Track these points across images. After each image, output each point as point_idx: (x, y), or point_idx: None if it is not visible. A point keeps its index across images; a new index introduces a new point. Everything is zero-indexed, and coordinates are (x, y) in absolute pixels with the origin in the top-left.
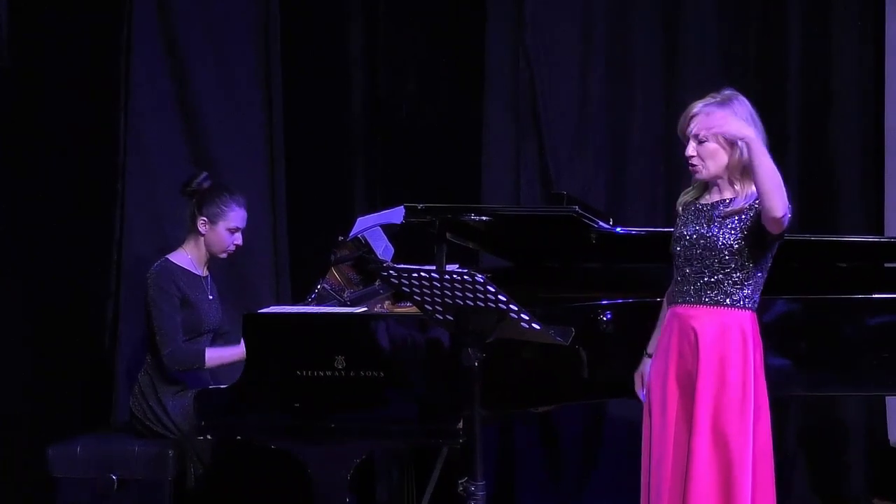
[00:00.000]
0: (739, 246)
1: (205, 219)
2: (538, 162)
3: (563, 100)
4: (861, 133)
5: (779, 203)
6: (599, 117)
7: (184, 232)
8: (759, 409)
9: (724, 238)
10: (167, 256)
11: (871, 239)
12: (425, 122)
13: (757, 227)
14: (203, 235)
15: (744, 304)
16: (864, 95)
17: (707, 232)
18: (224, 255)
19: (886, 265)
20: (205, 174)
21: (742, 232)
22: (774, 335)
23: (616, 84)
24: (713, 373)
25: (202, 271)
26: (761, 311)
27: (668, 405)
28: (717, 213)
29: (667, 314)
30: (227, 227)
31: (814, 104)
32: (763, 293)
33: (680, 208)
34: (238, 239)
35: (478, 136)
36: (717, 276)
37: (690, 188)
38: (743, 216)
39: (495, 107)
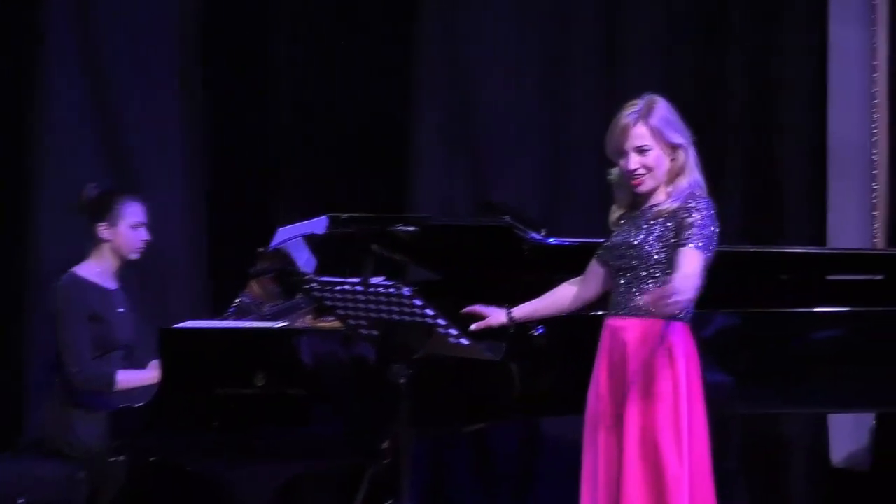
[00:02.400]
0: (666, 255)
1: (104, 224)
2: (470, 170)
3: (496, 107)
4: (805, 142)
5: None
6: (535, 124)
7: (90, 245)
8: (695, 425)
9: (650, 246)
10: (73, 270)
11: (813, 250)
12: (352, 129)
13: (678, 230)
14: (108, 242)
15: (677, 315)
16: (808, 104)
17: (633, 240)
18: (137, 255)
19: (829, 278)
20: (90, 184)
21: (667, 240)
22: (714, 351)
23: (553, 90)
24: (641, 387)
25: (111, 284)
26: (700, 325)
27: (599, 421)
28: (645, 218)
29: (605, 324)
30: (129, 225)
31: (756, 113)
32: (701, 307)
33: (613, 228)
34: (144, 234)
35: (407, 144)
36: (646, 285)
37: (614, 205)
38: (668, 223)
39: (425, 114)
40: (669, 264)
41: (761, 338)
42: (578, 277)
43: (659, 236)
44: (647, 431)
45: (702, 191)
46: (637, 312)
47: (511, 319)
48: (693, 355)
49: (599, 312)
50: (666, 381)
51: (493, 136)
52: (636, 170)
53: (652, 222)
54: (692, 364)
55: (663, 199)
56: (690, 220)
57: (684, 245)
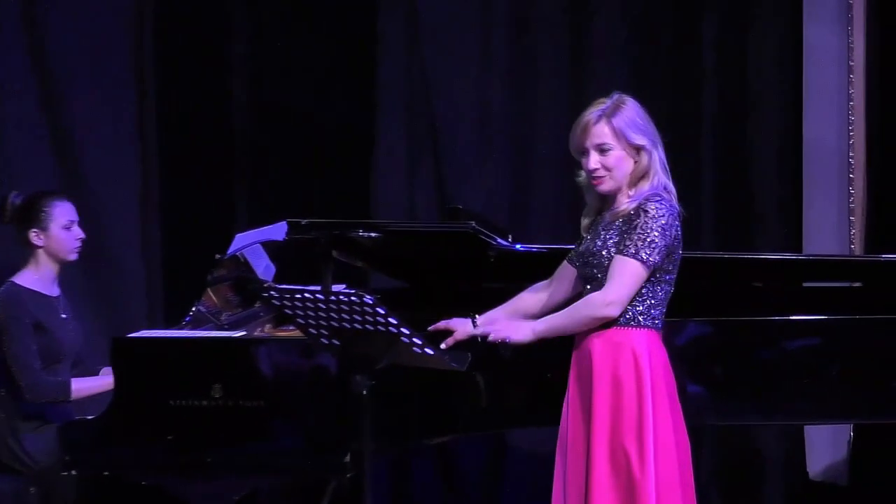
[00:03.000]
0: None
1: (35, 230)
2: (434, 175)
3: (461, 111)
4: (779, 145)
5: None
6: (500, 129)
7: (26, 255)
8: (665, 434)
9: (608, 251)
10: (12, 279)
11: (789, 257)
12: (312, 133)
13: (625, 230)
14: (42, 247)
15: (639, 321)
16: (783, 108)
17: (593, 246)
18: (74, 256)
19: (806, 285)
20: (12, 193)
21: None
22: (686, 360)
23: (518, 95)
24: (607, 396)
25: (53, 290)
26: (672, 333)
27: (568, 432)
28: (604, 224)
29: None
30: (61, 226)
31: (729, 115)
32: (674, 314)
33: (584, 230)
34: (79, 232)
35: (369, 149)
36: None
37: (585, 210)
38: (624, 227)
39: (388, 117)
40: None
41: (735, 347)
42: (546, 280)
43: (616, 242)
44: (614, 444)
45: (667, 194)
46: (605, 325)
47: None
48: (662, 364)
49: None
50: (631, 391)
51: (458, 141)
52: (596, 169)
53: (610, 228)
54: (659, 373)
55: (624, 203)
56: (634, 223)
57: (620, 252)
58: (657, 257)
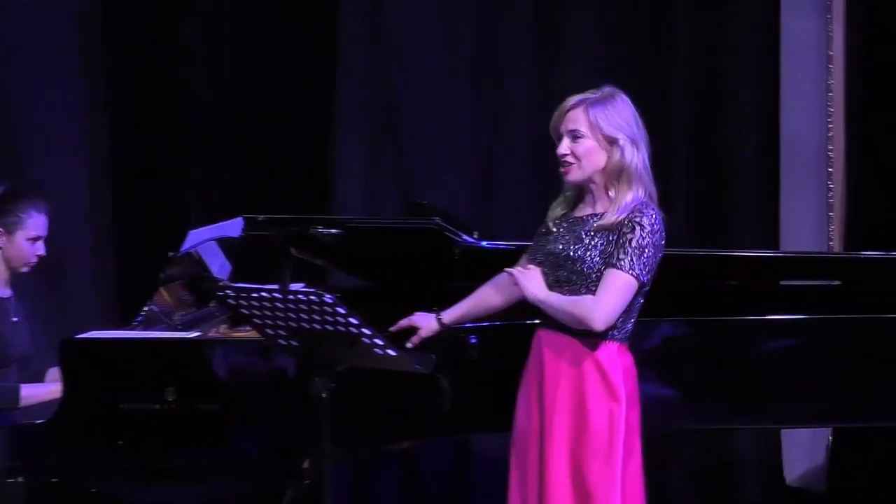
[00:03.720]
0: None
1: (0, 229)
2: (397, 170)
3: (425, 101)
4: (755, 138)
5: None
6: (465, 122)
7: None
8: (631, 455)
9: (592, 260)
10: None
11: (766, 253)
12: (270, 126)
13: (614, 241)
14: (0, 249)
15: (613, 335)
16: (759, 98)
17: (573, 252)
18: (26, 269)
19: (783, 283)
20: None
21: (609, 255)
22: (658, 362)
23: (484, 88)
24: (571, 414)
25: (4, 291)
26: (643, 334)
27: (529, 439)
28: (586, 229)
29: (535, 336)
30: (26, 237)
31: (704, 108)
32: (645, 314)
33: (551, 224)
34: (40, 248)
35: (329, 141)
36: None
37: (560, 198)
38: (612, 235)
39: (349, 109)
40: None
41: (709, 348)
42: (505, 274)
43: (602, 251)
44: (576, 464)
45: (652, 200)
46: (572, 330)
47: (442, 325)
48: (633, 384)
49: (537, 321)
50: (601, 411)
51: (421, 134)
52: (564, 155)
53: (595, 236)
54: (632, 396)
55: (609, 211)
56: (628, 237)
57: (613, 265)
58: (649, 275)
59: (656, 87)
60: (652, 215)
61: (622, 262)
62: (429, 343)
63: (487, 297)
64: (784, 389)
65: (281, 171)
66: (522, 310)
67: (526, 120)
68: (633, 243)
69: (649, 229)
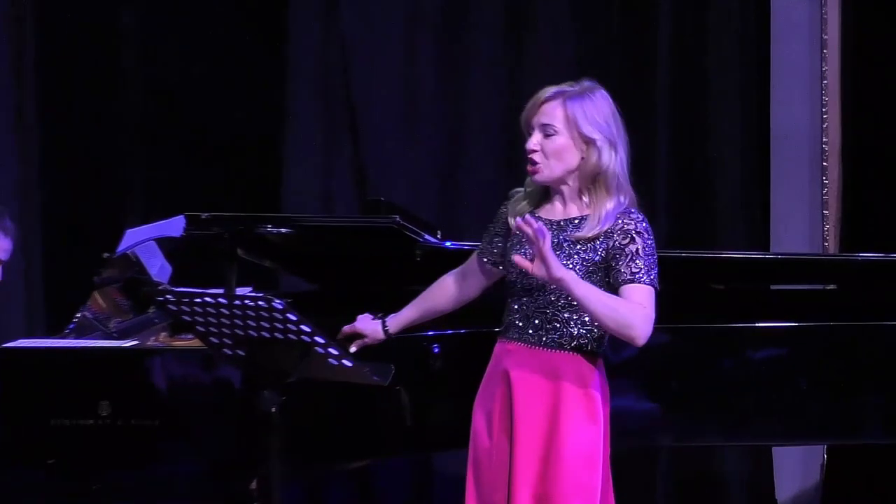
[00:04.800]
0: (591, 281)
1: None
2: (353, 164)
3: (384, 90)
4: (743, 132)
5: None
6: (428, 113)
7: None
8: (606, 480)
9: (574, 271)
10: None
11: (754, 255)
12: (214, 116)
13: (614, 260)
14: None
15: (592, 347)
16: (747, 85)
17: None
18: None
19: (773, 287)
20: None
21: (593, 266)
22: (637, 373)
23: (449, 76)
24: (545, 436)
25: None
26: (619, 342)
27: (493, 460)
28: (563, 236)
29: (497, 346)
30: None
31: (686, 96)
32: None
33: (511, 220)
34: None
35: (279, 134)
36: (564, 314)
37: (522, 192)
38: (597, 244)
39: (300, 98)
40: None
41: (693, 358)
42: (455, 272)
43: (584, 261)
44: (549, 491)
45: (633, 205)
46: (550, 344)
47: (388, 334)
48: (608, 403)
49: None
50: (582, 435)
51: (380, 126)
52: (533, 151)
53: (575, 243)
54: (608, 416)
55: (589, 220)
56: (632, 248)
57: (632, 281)
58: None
59: (634, 73)
60: (641, 220)
61: (640, 275)
62: (388, 353)
63: (435, 300)
64: (774, 403)
65: (227, 165)
66: (485, 315)
67: (495, 109)
68: (642, 252)
69: (646, 235)
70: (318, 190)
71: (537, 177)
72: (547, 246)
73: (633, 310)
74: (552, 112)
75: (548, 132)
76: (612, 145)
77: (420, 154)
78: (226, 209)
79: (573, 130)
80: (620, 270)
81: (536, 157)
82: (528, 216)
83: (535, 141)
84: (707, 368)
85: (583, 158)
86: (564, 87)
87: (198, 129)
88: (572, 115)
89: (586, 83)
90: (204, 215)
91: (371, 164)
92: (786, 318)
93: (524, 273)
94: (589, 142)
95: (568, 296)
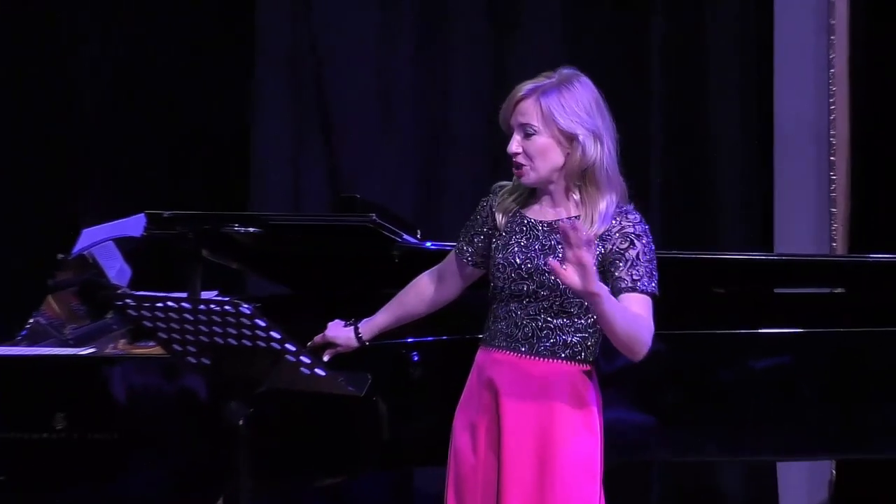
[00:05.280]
0: None
1: None
2: (325, 159)
3: (358, 82)
4: (743, 122)
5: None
6: (406, 105)
7: None
8: (599, 497)
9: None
10: None
11: (756, 257)
12: (177, 108)
13: (612, 266)
14: None
15: (586, 356)
16: (749, 74)
17: (545, 265)
18: None
19: (777, 291)
20: None
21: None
22: (632, 383)
23: (428, 65)
24: (537, 450)
25: None
26: (612, 351)
27: (479, 478)
28: (555, 239)
29: (480, 355)
30: None
31: (682, 86)
32: None
33: (500, 216)
34: None
35: (246, 127)
36: (557, 320)
37: (507, 185)
38: (592, 248)
39: (269, 89)
40: None
41: (690, 366)
42: (430, 273)
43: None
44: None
45: (625, 201)
46: (543, 353)
47: (362, 341)
48: (601, 414)
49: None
50: (576, 451)
51: (354, 118)
52: (516, 154)
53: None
54: (601, 427)
55: (573, 215)
56: (633, 252)
57: (633, 289)
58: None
59: (626, 60)
60: (639, 220)
61: (642, 283)
62: (364, 361)
63: (409, 303)
64: (779, 415)
65: (191, 161)
66: (469, 321)
67: (477, 103)
68: (642, 258)
69: (645, 239)
70: (289, 187)
71: (525, 180)
72: (591, 255)
73: (643, 324)
74: (528, 111)
75: (527, 132)
76: (597, 137)
77: (397, 148)
78: (190, 207)
79: (552, 128)
80: (621, 277)
81: (520, 159)
82: (575, 220)
83: (515, 143)
84: (706, 378)
85: (567, 155)
86: (540, 79)
87: (161, 123)
88: (548, 111)
89: (564, 71)
90: (166, 214)
91: (345, 159)
92: (791, 324)
93: (512, 276)
94: (571, 137)
95: (562, 301)
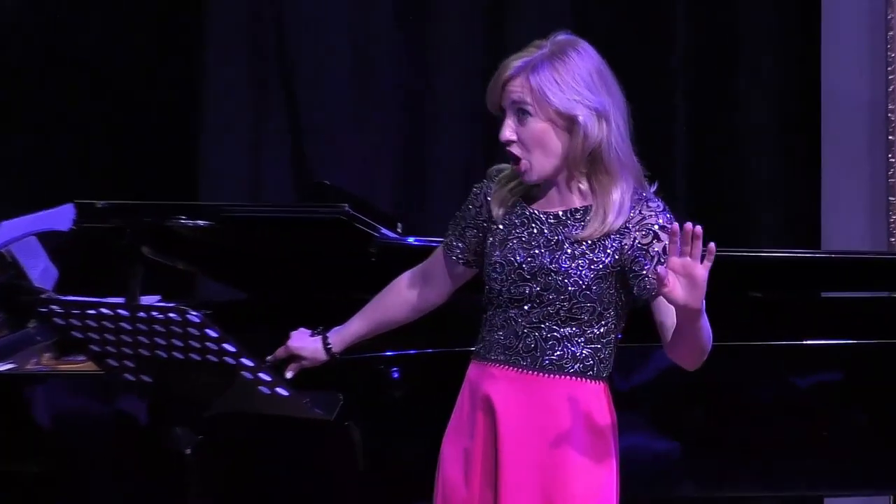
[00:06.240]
0: (599, 286)
1: None
2: (290, 141)
3: (328, 54)
4: (783, 101)
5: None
6: (385, 80)
7: None
8: None
9: (580, 274)
10: None
11: (800, 254)
12: (115, 78)
13: (636, 264)
14: None
15: (598, 371)
16: (790, 46)
17: (551, 263)
18: None
19: (825, 295)
20: None
21: (606, 269)
22: (651, 404)
23: (410, 33)
24: (545, 485)
25: None
26: (630, 366)
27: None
28: (564, 233)
29: (472, 370)
30: None
31: (711, 60)
32: (633, 339)
33: (496, 206)
34: None
35: (196, 103)
36: (566, 328)
37: (506, 169)
38: (607, 243)
39: (222, 60)
40: (602, 299)
41: (722, 384)
42: (413, 273)
43: (592, 264)
44: None
45: (643, 186)
46: (549, 368)
47: (331, 354)
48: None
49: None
50: (592, 484)
51: (324, 95)
52: (510, 143)
53: (581, 245)
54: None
55: (594, 215)
56: (659, 246)
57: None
58: None
59: (642, 20)
60: (662, 209)
61: None
62: (334, 379)
63: (388, 309)
64: (826, 442)
65: (129, 142)
66: (455, 329)
67: (467, 77)
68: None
69: (671, 228)
70: (245, 172)
71: (526, 178)
72: (706, 269)
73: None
74: (520, 90)
75: (523, 113)
76: (601, 115)
77: (375, 127)
78: (127, 196)
79: (547, 109)
80: (649, 278)
81: (515, 149)
82: (698, 226)
83: (509, 129)
84: (741, 398)
85: (569, 139)
86: (530, 51)
87: (93, 96)
88: (540, 89)
89: (559, 38)
90: (99, 204)
91: (312, 140)
92: (842, 335)
93: (516, 278)
94: (570, 119)
95: (572, 306)
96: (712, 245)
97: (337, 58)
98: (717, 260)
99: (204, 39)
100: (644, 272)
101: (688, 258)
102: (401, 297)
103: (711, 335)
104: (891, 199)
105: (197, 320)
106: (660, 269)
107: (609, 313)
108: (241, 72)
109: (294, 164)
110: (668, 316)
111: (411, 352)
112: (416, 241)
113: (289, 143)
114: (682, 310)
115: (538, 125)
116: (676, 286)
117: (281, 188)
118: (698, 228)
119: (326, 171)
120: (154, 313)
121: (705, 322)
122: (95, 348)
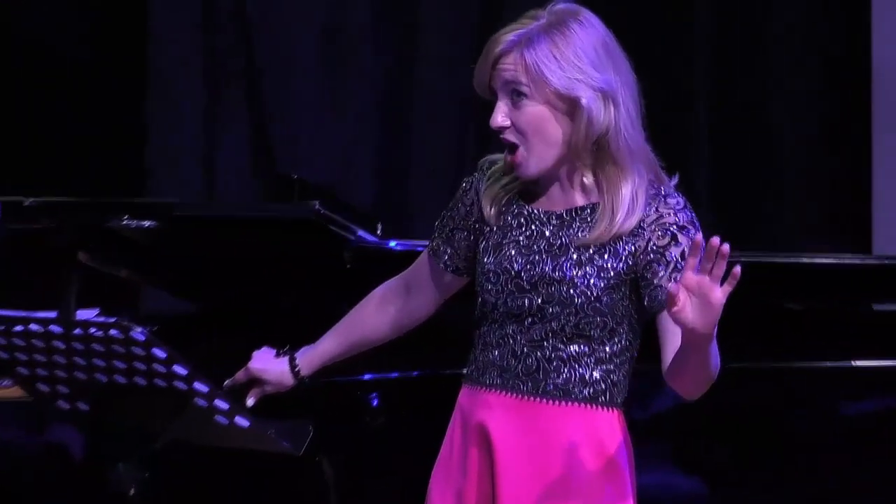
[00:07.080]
0: (610, 297)
1: None
2: (251, 129)
3: (298, 20)
4: (826, 85)
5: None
6: (361, 58)
7: None
8: None
9: (588, 283)
10: None
11: (848, 261)
12: (49, 65)
13: (648, 270)
14: None
15: (612, 397)
16: (835, 21)
17: (554, 271)
18: None
19: (877, 308)
20: None
21: (617, 276)
22: (673, 435)
23: (392, 13)
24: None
25: None
26: (648, 389)
27: None
28: (569, 236)
29: (463, 396)
30: None
31: (738, 36)
32: (652, 358)
33: (489, 204)
34: None
35: (140, 86)
36: (572, 347)
37: (499, 161)
38: (619, 246)
39: (171, 36)
40: (615, 312)
41: (756, 411)
42: (393, 284)
43: (601, 271)
44: None
45: (658, 178)
46: (553, 393)
47: (299, 378)
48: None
49: (463, 370)
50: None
51: (292, 76)
52: (503, 129)
53: (588, 249)
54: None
55: (602, 214)
56: (676, 250)
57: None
58: None
59: (661, 13)
60: (682, 206)
61: None
62: (304, 406)
63: (365, 325)
64: (879, 477)
65: (66, 131)
66: (443, 349)
67: (455, 55)
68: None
69: (693, 229)
70: (199, 164)
71: (522, 171)
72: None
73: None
74: (513, 68)
75: (517, 95)
76: (607, 96)
77: (352, 111)
78: (62, 192)
79: (544, 90)
80: (661, 287)
81: (510, 136)
82: (726, 244)
83: (501, 113)
84: (777, 427)
85: (571, 124)
86: (525, 23)
87: (28, 84)
88: (536, 67)
89: (558, 7)
90: (28, 201)
91: (278, 126)
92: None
93: (509, 287)
94: (571, 100)
95: (579, 321)
96: (737, 269)
97: (306, 31)
98: (746, 266)
99: (151, 17)
100: (657, 280)
101: (706, 277)
102: (380, 312)
103: (719, 362)
104: None
105: (142, 338)
106: (671, 286)
107: (622, 329)
108: (195, 54)
109: (255, 154)
110: (674, 334)
111: (392, 375)
112: (397, 245)
113: (249, 130)
114: (689, 333)
115: (535, 108)
116: (686, 306)
117: (240, 183)
118: (725, 247)
119: (294, 162)
120: (92, 330)
121: (714, 349)
122: (23, 371)
